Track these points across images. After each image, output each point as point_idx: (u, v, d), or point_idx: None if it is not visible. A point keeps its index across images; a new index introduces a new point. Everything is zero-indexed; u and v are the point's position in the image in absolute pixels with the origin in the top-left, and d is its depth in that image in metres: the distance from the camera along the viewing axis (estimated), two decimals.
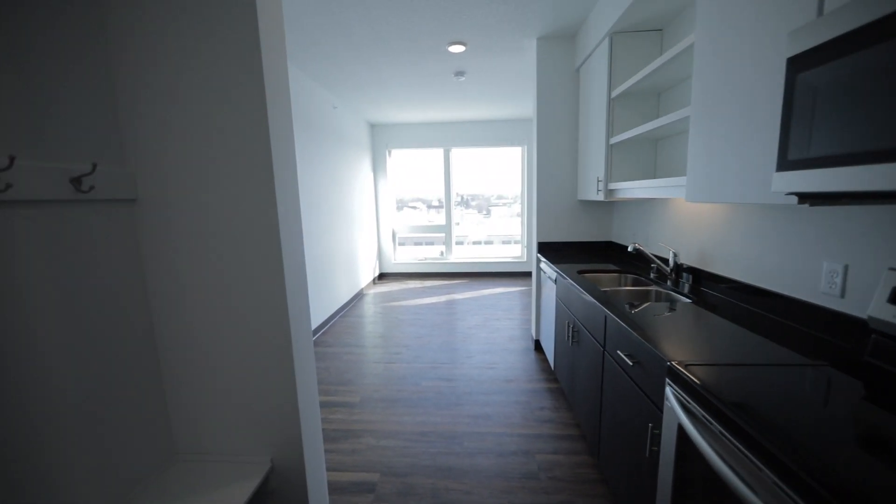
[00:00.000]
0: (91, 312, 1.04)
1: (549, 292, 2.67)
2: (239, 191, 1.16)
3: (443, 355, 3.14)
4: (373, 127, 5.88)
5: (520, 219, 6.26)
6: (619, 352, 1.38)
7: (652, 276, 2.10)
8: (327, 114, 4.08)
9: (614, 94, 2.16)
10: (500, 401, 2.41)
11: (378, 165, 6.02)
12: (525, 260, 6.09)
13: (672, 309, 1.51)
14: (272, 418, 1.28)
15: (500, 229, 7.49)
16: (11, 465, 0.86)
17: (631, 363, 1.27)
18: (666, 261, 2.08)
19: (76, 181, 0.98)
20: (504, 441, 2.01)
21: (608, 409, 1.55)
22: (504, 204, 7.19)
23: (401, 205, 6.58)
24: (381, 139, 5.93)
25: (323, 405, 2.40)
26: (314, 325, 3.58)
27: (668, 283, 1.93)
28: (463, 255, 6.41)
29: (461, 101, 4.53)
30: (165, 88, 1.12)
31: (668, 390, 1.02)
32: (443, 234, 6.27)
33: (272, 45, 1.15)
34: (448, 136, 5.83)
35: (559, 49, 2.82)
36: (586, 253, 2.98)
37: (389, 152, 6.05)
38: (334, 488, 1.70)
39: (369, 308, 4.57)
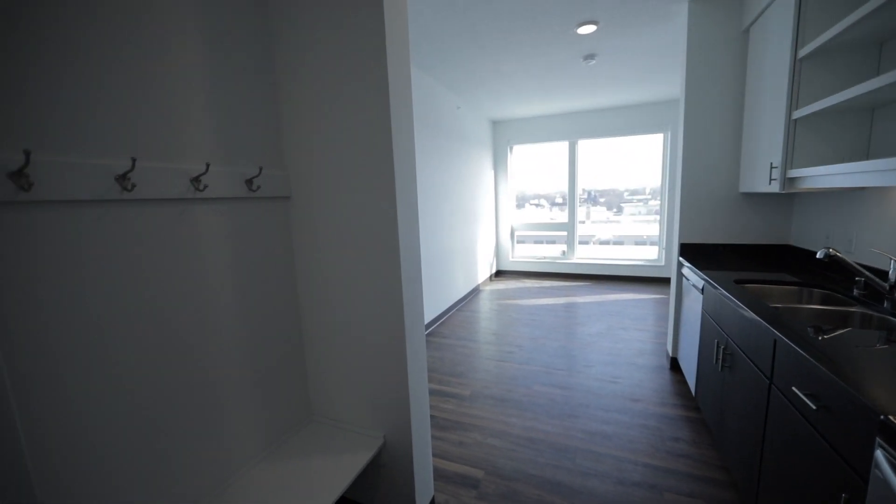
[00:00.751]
0: (256, 290, 1.29)
1: (693, 304, 2.24)
2: (365, 192, 1.27)
3: (558, 360, 2.95)
4: (494, 124, 5.90)
5: (657, 217, 5.45)
6: (794, 389, 1.05)
7: (856, 292, 1.55)
8: (451, 115, 4.25)
9: (803, 52, 1.66)
10: (622, 421, 2.14)
11: (499, 162, 6.02)
12: (663, 264, 5.29)
13: (891, 340, 1.08)
14: (386, 398, 1.38)
15: (633, 228, 6.68)
16: (203, 406, 1.12)
17: (814, 407, 0.95)
18: (883, 274, 1.52)
19: (249, 182, 1.22)
20: (625, 468, 1.77)
21: (773, 459, 1.21)
22: (639, 200, 6.39)
23: (520, 202, 6.46)
24: (502, 135, 5.91)
25: (435, 393, 2.52)
26: (431, 317, 3.80)
27: (886, 304, 1.40)
28: (586, 255, 5.93)
29: (590, 88, 4.17)
30: (310, 103, 1.30)
31: (878, 454, 0.72)
32: (565, 233, 5.90)
33: (397, 62, 1.22)
34: (574, 127, 5.44)
35: (718, 9, 2.32)
36: (748, 258, 2.40)
37: (511, 148, 5.98)
38: (440, 475, 1.76)
39: (485, 304, 4.61)
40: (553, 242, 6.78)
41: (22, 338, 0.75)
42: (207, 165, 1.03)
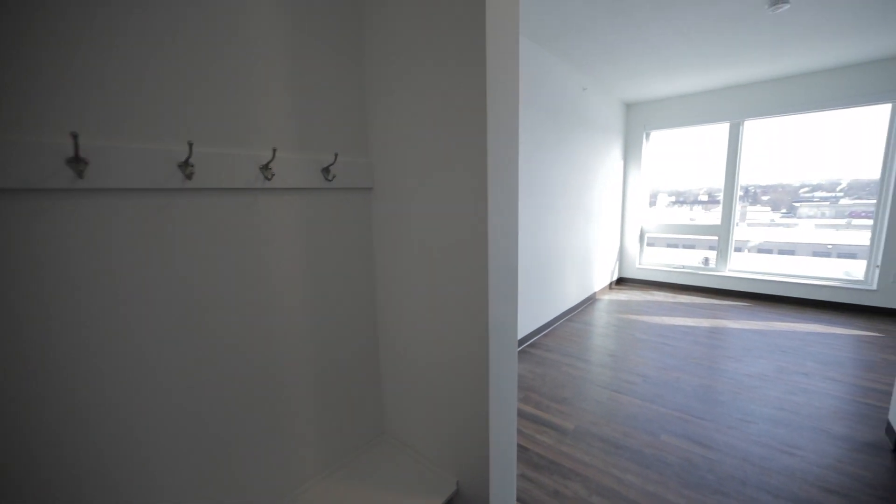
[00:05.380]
0: (332, 288, 1.16)
1: None
2: (452, 186, 1.02)
3: (698, 405, 2.28)
4: (628, 107, 5.05)
5: (850, 221, 3.94)
6: None
7: None
8: (575, 97, 3.72)
9: None
10: None
11: (630, 152, 5.16)
12: (874, 288, 3.80)
13: None
14: (462, 435, 1.12)
15: (813, 235, 5.18)
16: (265, 411, 1.03)
17: None
18: None
19: (325, 171, 1.09)
20: None
21: None
22: (822, 199, 4.88)
23: (654, 198, 5.46)
24: (637, 120, 5.02)
25: (530, 419, 2.17)
26: (535, 326, 3.40)
27: None
28: (745, 268, 4.66)
29: (772, 48, 3.14)
30: (398, 81, 1.10)
31: None
32: (715, 237, 4.75)
33: (500, 35, 0.92)
34: (739, 104, 4.27)
35: None
36: None
37: (647, 135, 5.05)
38: None
39: (601, 317, 3.99)
40: (692, 247, 5.62)
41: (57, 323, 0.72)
42: (274, 151, 0.91)
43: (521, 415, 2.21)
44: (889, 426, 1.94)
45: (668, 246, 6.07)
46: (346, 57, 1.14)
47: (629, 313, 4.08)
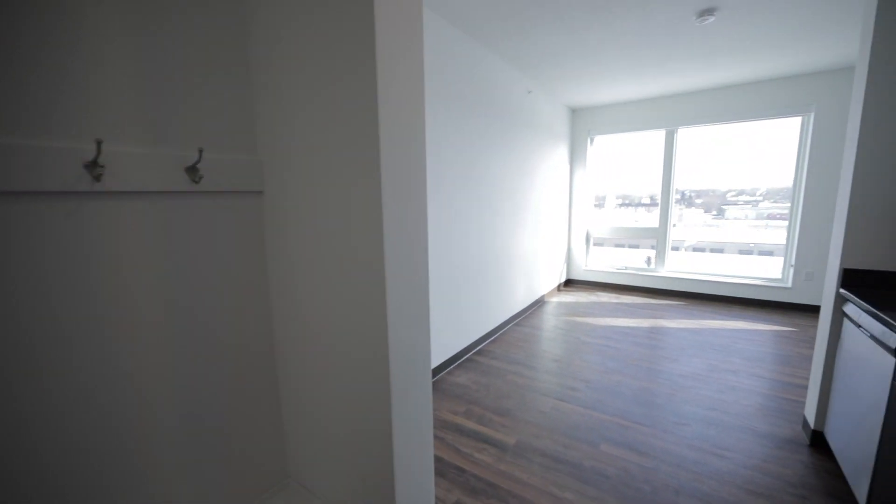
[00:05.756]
0: (206, 317, 0.95)
1: (866, 363, 1.46)
2: (349, 188, 0.86)
3: (637, 409, 2.28)
4: (573, 112, 5.15)
5: (768, 222, 4.29)
6: None
7: None
8: (520, 100, 3.69)
9: None
10: None
11: (576, 156, 5.26)
12: (789, 286, 4.12)
13: None
14: (367, 477, 0.96)
15: (740, 236, 5.71)
16: (128, 458, 0.81)
17: None
18: None
19: (192, 170, 0.88)
20: None
21: None
22: (746, 202, 5.36)
23: (600, 201, 5.62)
24: (582, 125, 5.13)
25: (471, 436, 2.05)
26: (483, 333, 3.31)
27: None
28: (680, 269, 4.90)
29: (701, 59, 3.29)
30: (292, 64, 0.92)
31: None
32: (653, 239, 4.96)
33: (392, 15, 0.78)
34: (673, 113, 4.48)
35: None
36: None
37: (591, 140, 5.18)
38: None
39: (548, 320, 3.99)
40: (636, 247, 5.94)
41: None
42: (98, 144, 0.70)
43: (462, 431, 2.09)
44: (805, 421, 2.03)
45: (616, 246, 6.36)
46: (223, 36, 0.94)
47: (575, 315, 4.12)
